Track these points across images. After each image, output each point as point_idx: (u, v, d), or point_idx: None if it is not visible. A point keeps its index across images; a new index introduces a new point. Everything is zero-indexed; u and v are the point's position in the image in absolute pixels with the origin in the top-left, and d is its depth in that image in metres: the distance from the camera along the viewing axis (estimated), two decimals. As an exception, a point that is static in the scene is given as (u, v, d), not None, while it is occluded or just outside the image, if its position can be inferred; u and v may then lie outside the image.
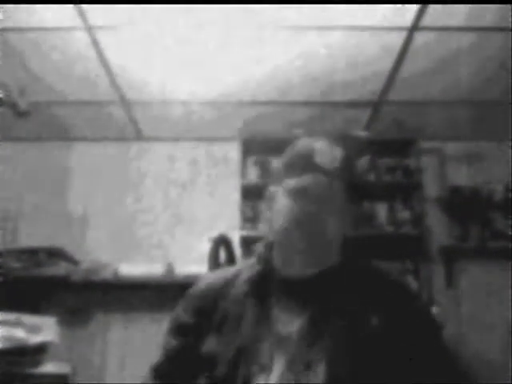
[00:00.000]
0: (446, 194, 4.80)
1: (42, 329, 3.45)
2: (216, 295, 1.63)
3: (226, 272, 1.74)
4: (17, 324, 3.35)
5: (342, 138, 1.63)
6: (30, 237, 4.61)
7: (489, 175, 4.82)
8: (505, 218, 4.69)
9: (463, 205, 4.73)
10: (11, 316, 3.37)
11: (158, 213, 4.86)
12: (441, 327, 1.67)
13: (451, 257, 4.67)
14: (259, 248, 1.70)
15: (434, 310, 4.08)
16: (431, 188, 4.82)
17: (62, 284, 4.28)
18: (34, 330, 3.40)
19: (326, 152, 1.57)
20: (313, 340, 1.46)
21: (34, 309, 3.76)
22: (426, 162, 4.83)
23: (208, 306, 1.62)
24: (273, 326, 1.51)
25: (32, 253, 4.27)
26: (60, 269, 4.27)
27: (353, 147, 1.62)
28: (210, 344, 1.54)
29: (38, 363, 3.44)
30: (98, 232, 4.79)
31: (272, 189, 1.64)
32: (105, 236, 4.77)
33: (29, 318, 3.44)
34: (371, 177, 4.63)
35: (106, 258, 4.49)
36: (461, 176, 4.86)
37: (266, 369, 1.45)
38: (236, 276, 1.67)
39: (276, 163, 4.09)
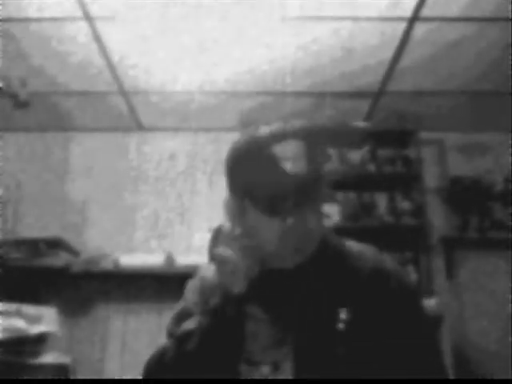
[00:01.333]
0: (446, 185, 4.80)
1: (42, 319, 3.46)
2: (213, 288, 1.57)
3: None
4: (17, 314, 3.36)
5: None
6: (30, 227, 4.62)
7: (489, 166, 4.82)
8: (505, 208, 4.69)
9: (463, 195, 4.73)
10: (11, 306, 3.38)
11: (157, 203, 4.86)
12: (420, 304, 1.55)
13: (451, 247, 4.67)
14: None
15: (434, 300, 4.08)
16: (431, 179, 4.81)
17: (62, 274, 4.28)
18: (34, 320, 3.40)
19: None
20: (278, 341, 1.43)
21: (34, 299, 3.77)
22: (426, 152, 4.82)
23: (204, 299, 1.56)
24: (246, 321, 1.48)
25: (32, 243, 4.27)
26: (60, 259, 4.27)
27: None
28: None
29: (38, 353, 3.45)
30: (98, 222, 4.79)
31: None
32: (105, 226, 4.77)
33: (29, 309, 3.45)
34: (371, 167, 4.63)
35: (106, 249, 4.49)
36: (461, 167, 4.85)
37: (256, 367, 1.43)
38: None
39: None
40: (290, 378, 1.38)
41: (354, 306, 1.41)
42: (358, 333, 1.38)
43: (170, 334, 1.59)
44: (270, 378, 1.40)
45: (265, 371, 1.41)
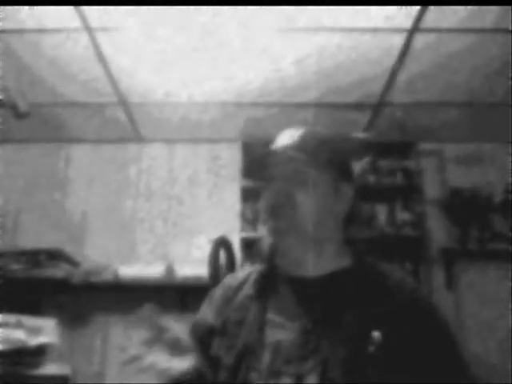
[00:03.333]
0: (445, 196, 4.80)
1: (42, 330, 3.45)
2: (230, 292, 1.62)
3: (243, 272, 1.71)
4: (17, 325, 3.35)
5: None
6: (30, 238, 4.61)
7: (489, 177, 4.82)
8: (504, 219, 4.69)
9: (463, 207, 4.73)
10: (11, 317, 3.37)
11: (157, 214, 4.86)
12: (457, 343, 1.54)
13: (451, 258, 4.67)
14: (263, 248, 1.66)
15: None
16: (431, 190, 4.82)
17: (62, 285, 4.27)
18: (34, 331, 3.39)
19: (280, 139, 1.59)
20: (307, 352, 1.38)
21: (34, 310, 3.76)
22: (426, 163, 4.84)
23: (221, 302, 1.61)
24: (267, 329, 1.46)
25: (32, 254, 4.27)
26: (60, 270, 4.27)
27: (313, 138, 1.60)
28: (215, 347, 1.51)
29: (38, 365, 3.44)
30: (98, 233, 4.79)
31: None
32: (104, 238, 4.77)
33: (29, 320, 3.44)
34: (371, 179, 4.64)
35: (106, 260, 4.49)
36: (460, 178, 4.85)
37: (264, 377, 1.38)
38: (247, 277, 1.65)
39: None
40: None
41: (388, 330, 1.38)
42: (388, 359, 1.35)
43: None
44: None
45: (287, 383, 1.36)
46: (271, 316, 1.48)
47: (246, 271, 1.71)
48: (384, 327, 1.37)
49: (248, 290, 1.58)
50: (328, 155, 1.55)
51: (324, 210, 1.52)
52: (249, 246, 4.42)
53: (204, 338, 1.54)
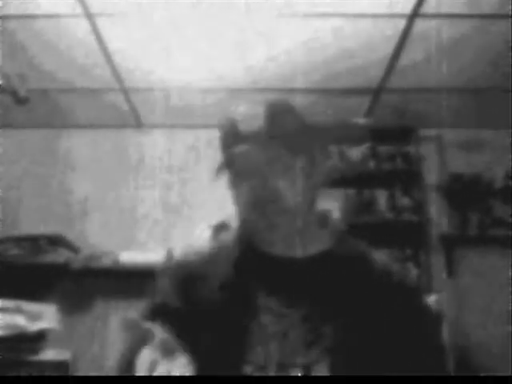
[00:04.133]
0: (445, 182, 4.80)
1: (42, 316, 3.46)
2: (195, 276, 1.46)
3: (203, 249, 1.57)
4: (17, 311, 3.36)
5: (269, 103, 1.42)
6: (30, 224, 4.62)
7: (489, 163, 4.81)
8: (505, 205, 4.69)
9: (463, 192, 4.73)
10: (11, 303, 3.38)
11: (158, 200, 4.86)
12: (440, 322, 1.52)
13: (451, 244, 4.67)
14: (234, 230, 1.55)
15: (434, 297, 4.08)
16: (431, 175, 4.82)
17: (63, 271, 4.28)
18: (34, 317, 3.41)
19: (247, 116, 1.40)
20: (311, 341, 1.32)
21: (34, 296, 3.77)
22: (426, 149, 4.83)
23: (187, 287, 1.44)
24: (261, 316, 1.35)
25: (32, 240, 4.28)
26: (60, 256, 4.28)
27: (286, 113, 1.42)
28: (195, 335, 1.31)
29: (38, 350, 3.46)
30: (99, 219, 4.79)
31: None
32: (105, 223, 4.77)
33: (29, 306, 3.45)
34: (371, 164, 4.63)
35: (107, 246, 4.49)
36: (461, 163, 4.84)
37: (260, 369, 1.30)
38: (214, 254, 1.52)
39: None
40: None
41: (378, 308, 1.36)
42: (383, 333, 1.34)
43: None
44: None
45: (296, 374, 1.29)
46: (263, 301, 1.37)
47: (207, 248, 1.58)
48: (375, 308, 1.35)
49: (223, 270, 1.45)
50: (302, 131, 1.40)
51: (306, 189, 1.41)
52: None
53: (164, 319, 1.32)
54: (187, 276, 1.46)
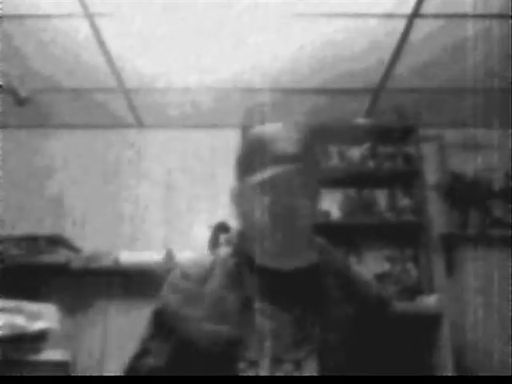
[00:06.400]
0: (446, 182, 4.79)
1: (42, 316, 3.46)
2: (196, 283, 1.63)
3: (204, 260, 1.72)
4: (17, 311, 3.36)
5: (295, 124, 1.61)
6: (30, 224, 4.61)
7: (489, 163, 4.81)
8: (505, 205, 4.69)
9: (463, 192, 4.72)
10: (11, 303, 3.38)
11: (158, 200, 4.86)
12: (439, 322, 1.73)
13: (451, 244, 4.67)
14: (232, 240, 1.71)
15: (434, 297, 4.08)
16: (431, 175, 4.81)
17: (63, 271, 4.28)
18: (34, 317, 3.40)
19: (281, 137, 1.53)
20: (301, 340, 1.47)
21: (34, 296, 3.77)
22: (426, 149, 4.82)
23: (189, 294, 1.62)
24: (257, 318, 1.50)
25: (32, 240, 4.27)
26: (60, 256, 4.27)
27: (306, 131, 1.59)
28: (193, 336, 1.52)
29: (37, 350, 3.45)
30: (99, 219, 4.79)
31: (237, 186, 1.66)
32: (105, 223, 4.77)
33: (29, 305, 3.45)
34: (371, 164, 4.63)
35: (107, 246, 4.49)
36: (461, 164, 4.84)
37: (254, 365, 1.44)
38: (212, 267, 1.65)
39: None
40: (315, 375, 1.44)
41: (349, 305, 1.56)
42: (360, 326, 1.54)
43: (144, 345, 1.73)
44: (294, 375, 1.45)
45: (288, 369, 1.44)
46: (259, 304, 1.52)
47: (207, 259, 1.72)
48: (348, 305, 1.55)
49: (219, 279, 1.60)
50: (315, 159, 1.58)
51: (314, 217, 1.60)
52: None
53: (168, 324, 1.61)
54: (193, 286, 1.63)
